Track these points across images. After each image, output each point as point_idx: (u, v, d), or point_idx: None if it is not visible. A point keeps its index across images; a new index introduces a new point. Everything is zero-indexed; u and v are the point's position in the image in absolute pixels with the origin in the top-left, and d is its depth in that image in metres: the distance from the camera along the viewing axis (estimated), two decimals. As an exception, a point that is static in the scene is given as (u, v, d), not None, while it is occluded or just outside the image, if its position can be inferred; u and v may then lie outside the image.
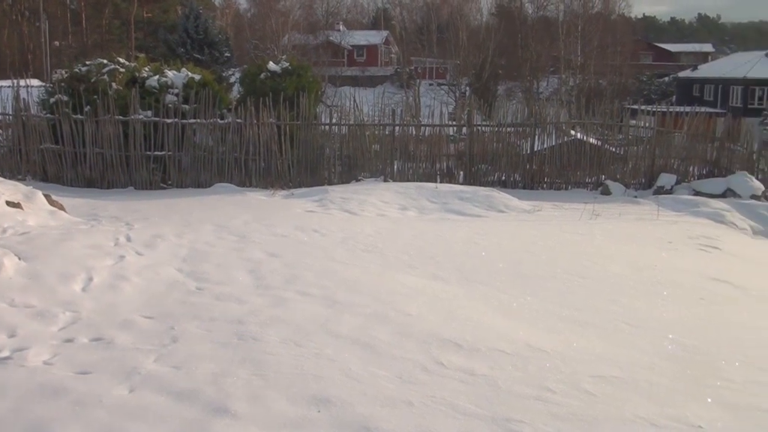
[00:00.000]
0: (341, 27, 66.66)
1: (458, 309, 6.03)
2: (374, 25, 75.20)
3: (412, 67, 55.03)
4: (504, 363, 4.82)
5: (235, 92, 22.69)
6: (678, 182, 15.25)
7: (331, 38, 60.26)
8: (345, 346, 5.04)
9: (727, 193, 14.59)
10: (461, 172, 15.70)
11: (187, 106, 14.34)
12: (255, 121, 14.40)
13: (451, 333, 5.35)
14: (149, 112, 14.20)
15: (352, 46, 65.30)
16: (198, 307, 5.87)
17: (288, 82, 15.23)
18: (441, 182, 14.62)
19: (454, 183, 14.89)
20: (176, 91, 14.46)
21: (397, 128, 15.68)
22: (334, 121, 15.49)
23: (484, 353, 4.99)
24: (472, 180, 15.28)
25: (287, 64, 15.84)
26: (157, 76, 14.64)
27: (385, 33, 69.75)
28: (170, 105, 14.21)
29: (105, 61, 15.04)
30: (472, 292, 6.65)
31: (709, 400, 4.49)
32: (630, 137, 16.21)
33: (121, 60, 15.46)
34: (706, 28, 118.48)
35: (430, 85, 53.11)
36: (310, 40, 55.85)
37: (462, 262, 7.82)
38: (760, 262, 10.09)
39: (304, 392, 4.24)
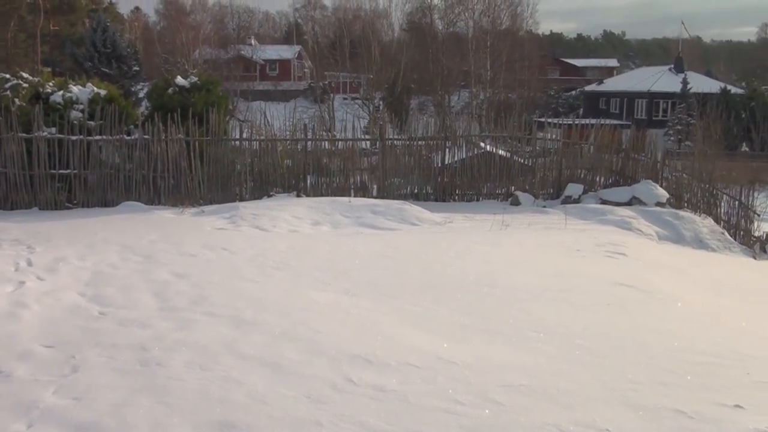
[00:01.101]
0: (253, 41, 66.28)
1: (370, 324, 6.00)
2: (287, 40, 75.09)
3: (326, 82, 55.06)
4: (414, 377, 4.80)
5: (144, 107, 22.18)
6: (585, 192, 15.68)
7: (242, 52, 59.80)
8: (252, 367, 4.93)
9: (632, 201, 15.09)
10: (375, 186, 15.74)
11: (93, 123, 13.87)
12: (163, 137, 14.07)
13: (361, 349, 5.31)
14: (53, 129, 13.66)
15: (264, 60, 64.92)
16: (100, 333, 5.65)
17: (197, 97, 14.94)
18: (355, 196, 14.62)
19: (368, 197, 14.91)
20: (82, 106, 13.99)
21: (310, 143, 15.60)
22: (245, 136, 15.29)
23: (394, 368, 4.96)
24: (385, 193, 15.34)
25: (196, 79, 15.56)
26: (61, 92, 14.12)
27: (297, 48, 69.71)
28: (75, 121, 13.74)
29: (7, 76, 14.44)
30: (384, 306, 6.63)
31: (617, 403, 4.59)
32: (538, 149, 16.61)
33: (25, 75, 14.88)
34: (611, 44, 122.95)
35: (344, 99, 53.21)
36: (222, 54, 55.25)
37: (374, 276, 7.80)
38: (665, 266, 10.46)
39: (208, 418, 4.11)
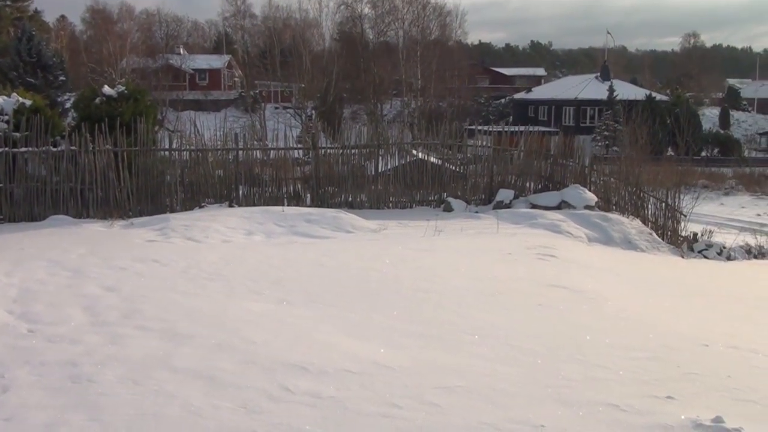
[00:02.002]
0: (182, 50, 65.29)
1: (305, 332, 5.96)
2: (216, 49, 74.18)
3: (257, 91, 54.70)
4: (351, 383, 4.80)
5: (70, 118, 21.63)
6: (516, 197, 15.96)
7: (171, 62, 58.85)
8: (186, 380, 4.83)
9: (562, 205, 15.42)
10: (308, 195, 15.69)
11: (18, 134, 13.48)
12: (91, 148, 13.73)
13: (297, 357, 5.27)
14: (-23, 142, 13.23)
15: (193, 69, 64.02)
16: (29, 351, 5.46)
17: (125, 107, 14.64)
18: (288, 205, 14.54)
19: (302, 206, 14.86)
20: (6, 117, 13.58)
21: (241, 152, 15.45)
22: (174, 146, 15.05)
23: (331, 375, 4.94)
24: (319, 202, 15.30)
25: (123, 89, 15.24)
26: (-15, 102, 13.69)
27: (227, 57, 68.96)
28: (0, 133, 13.32)
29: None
30: (320, 314, 6.61)
31: (551, 400, 4.68)
32: (469, 156, 16.84)
33: (-53, 85, 14.35)
34: (538, 53, 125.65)
35: (276, 108, 52.96)
36: (150, 63, 54.27)
37: (309, 285, 7.76)
38: (594, 267, 10.72)
39: (142, 433, 4.02)
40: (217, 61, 68.30)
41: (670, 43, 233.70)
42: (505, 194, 15.82)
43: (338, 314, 6.60)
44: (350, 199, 15.72)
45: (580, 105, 56.19)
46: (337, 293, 7.41)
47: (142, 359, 5.22)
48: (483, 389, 4.79)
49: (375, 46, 58.87)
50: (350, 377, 4.90)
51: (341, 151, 15.96)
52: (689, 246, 17.31)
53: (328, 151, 16.16)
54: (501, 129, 18.26)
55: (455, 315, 6.73)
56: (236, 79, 67.41)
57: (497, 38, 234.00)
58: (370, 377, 4.90)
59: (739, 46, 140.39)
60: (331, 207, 14.67)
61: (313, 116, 46.96)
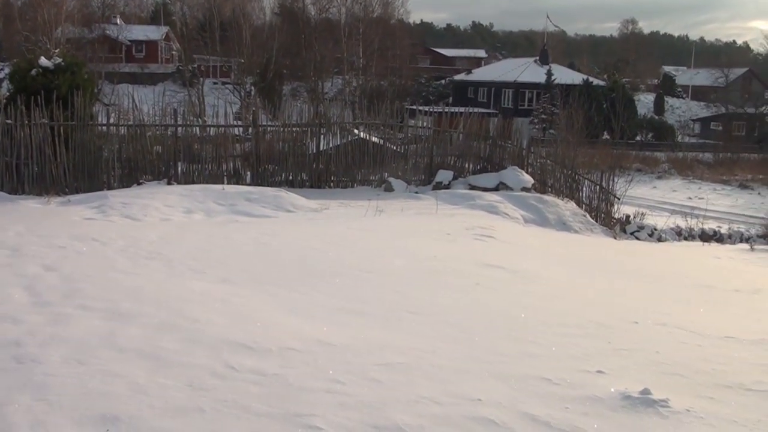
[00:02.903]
0: (119, 20, 63.44)
1: (248, 311, 6.02)
2: (154, 20, 72.28)
3: (195, 65, 53.66)
4: (295, 360, 4.89)
5: (5, 90, 20.93)
6: (455, 178, 16.20)
7: (108, 32, 57.14)
8: (131, 359, 4.85)
9: (500, 187, 15.74)
10: (248, 173, 15.61)
11: (-50, 107, 13.05)
12: (26, 122, 13.38)
13: (241, 336, 5.33)
14: None
15: (130, 41, 62.28)
16: (-32, 332, 5.38)
17: (61, 80, 14.26)
18: (228, 183, 14.44)
19: (242, 184, 14.77)
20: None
21: (180, 129, 15.26)
22: (112, 121, 14.77)
23: (274, 353, 5.02)
24: (259, 180, 15.24)
25: (60, 60, 14.84)
26: None
27: (165, 29, 67.28)
28: (-70, 106, 12.89)
29: None
30: (262, 293, 6.67)
31: (487, 375, 4.87)
32: (410, 136, 16.98)
33: None
34: (479, 35, 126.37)
35: (215, 84, 52.09)
36: (86, 33, 52.60)
37: (251, 264, 7.80)
38: (530, 247, 11.04)
39: (90, 412, 4.02)
40: (154, 33, 66.61)
41: (609, 28, 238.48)
42: (444, 175, 16.04)
43: (281, 293, 6.67)
44: (291, 177, 15.70)
45: (519, 88, 56.99)
46: (280, 272, 7.48)
47: (86, 339, 5.20)
48: (423, 365, 4.95)
49: (317, 22, 58.38)
50: (294, 355, 5.00)
51: (282, 129, 15.91)
52: (622, 228, 17.88)
53: (269, 128, 16.10)
54: (441, 110, 18.44)
55: (396, 294, 6.88)
56: (174, 52, 65.88)
57: (439, 18, 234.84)
58: (313, 355, 5.01)
59: (677, 34, 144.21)
60: (271, 186, 14.64)
61: (253, 92, 46.47)
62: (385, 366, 4.87)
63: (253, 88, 48.59)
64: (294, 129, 15.94)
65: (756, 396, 5.09)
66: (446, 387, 4.57)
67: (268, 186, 14.44)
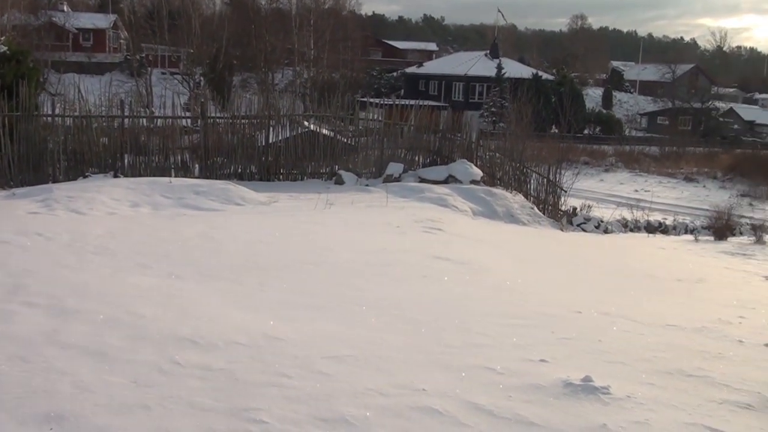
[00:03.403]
0: (66, 8, 61.87)
1: (195, 306, 5.99)
2: (101, 8, 70.61)
3: (143, 55, 52.67)
4: (241, 355, 4.89)
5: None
6: (405, 170, 16.27)
7: (54, 19, 55.63)
8: (76, 356, 4.79)
9: (449, 180, 15.86)
10: (197, 165, 15.45)
11: None
12: (-30, 113, 13.02)
13: (187, 331, 5.30)
14: None
15: (77, 29, 60.77)
16: None
17: (6, 69, 13.91)
18: (176, 176, 14.28)
19: (190, 177, 14.61)
20: None
21: (127, 120, 15.02)
22: (57, 112, 14.46)
23: (221, 348, 5.01)
24: (208, 173, 15.10)
25: (5, 49, 14.44)
26: None
27: (113, 17, 65.78)
28: None
29: None
30: (209, 287, 6.63)
31: (433, 365, 4.95)
32: (361, 129, 16.99)
33: None
34: (431, 28, 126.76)
35: (163, 74, 51.19)
36: (32, 20, 51.11)
37: (198, 258, 7.75)
38: (478, 239, 11.16)
39: (34, 411, 3.96)
40: (102, 21, 65.09)
41: (559, 23, 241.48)
42: (395, 168, 16.10)
43: (228, 287, 6.65)
44: (240, 170, 15.59)
45: (470, 81, 57.40)
46: (227, 266, 7.45)
47: (30, 336, 5.12)
48: (370, 357, 4.99)
49: (267, 12, 57.76)
50: (240, 349, 5.00)
51: (231, 120, 15.77)
52: (569, 220, 18.20)
53: (218, 120, 15.95)
54: (392, 102, 18.49)
55: (344, 287, 6.91)
56: (122, 41, 64.57)
57: (391, 10, 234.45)
58: (259, 349, 5.01)
59: (625, 30, 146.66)
60: (220, 178, 14.52)
61: (202, 83, 45.88)
62: (332, 359, 4.90)
63: (202, 78, 47.93)
64: (243, 121, 15.82)
65: (696, 381, 5.27)
66: (392, 378, 4.63)
67: (216, 179, 14.32)
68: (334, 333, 5.48)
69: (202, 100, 16.70)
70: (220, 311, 5.87)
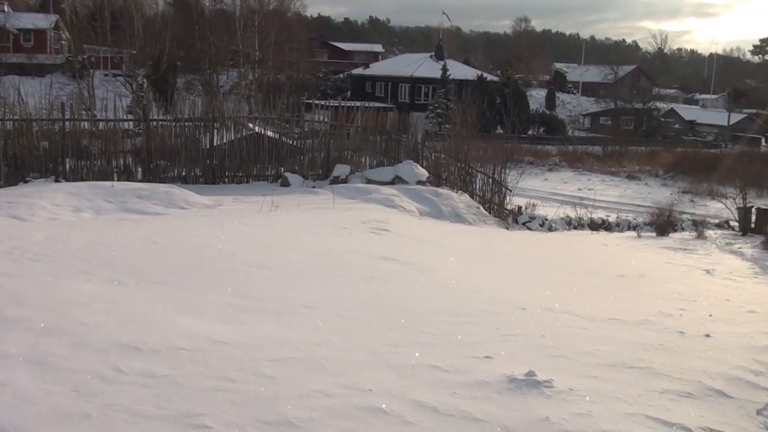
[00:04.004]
0: (6, 7, 60.24)
1: (137, 312, 5.90)
2: (42, 8, 68.87)
3: (85, 56, 51.56)
4: (185, 360, 4.84)
5: None
6: (352, 172, 16.31)
7: (-6, 19, 54.20)
8: (15, 366, 4.66)
9: (396, 180, 15.94)
10: (140, 169, 15.22)
11: None
12: None
13: (130, 338, 5.23)
14: None
15: (18, 29, 59.21)
16: None
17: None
18: (118, 180, 14.04)
19: (133, 180, 14.40)
20: None
21: (68, 123, 14.71)
22: (-4, 115, 14.09)
23: (164, 353, 4.95)
24: (151, 177, 14.89)
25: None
26: None
27: (54, 17, 64.17)
28: None
29: None
30: (153, 292, 6.54)
31: (379, 365, 4.98)
32: (307, 131, 16.96)
33: None
34: (377, 30, 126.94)
35: (105, 76, 50.22)
36: (-29, 20, 49.69)
37: (141, 263, 7.63)
38: (424, 240, 11.25)
39: (-28, 423, 3.88)
40: (43, 21, 63.47)
41: (504, 26, 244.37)
42: (341, 169, 16.12)
43: (172, 292, 6.57)
44: (184, 173, 15.41)
45: (416, 82, 57.76)
46: (171, 271, 7.36)
47: (-33, 345, 4.99)
48: (316, 359, 5.00)
49: (211, 13, 57.15)
50: (184, 354, 4.94)
51: (174, 123, 15.58)
52: (514, 218, 18.46)
53: (161, 123, 15.74)
54: (338, 104, 18.50)
55: (291, 289, 6.90)
56: (64, 42, 63.08)
57: (337, 12, 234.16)
58: (203, 354, 4.97)
59: (568, 33, 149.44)
60: (163, 182, 14.33)
61: (145, 85, 45.15)
62: (277, 361, 4.89)
63: (145, 80, 47.15)
64: (187, 123, 15.64)
65: (637, 373, 5.42)
66: (338, 379, 4.64)
67: (160, 182, 14.13)
68: (280, 336, 5.46)
69: (145, 102, 16.42)
70: (164, 317, 5.80)
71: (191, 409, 4.09)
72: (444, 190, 16.01)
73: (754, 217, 19.56)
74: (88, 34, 50.07)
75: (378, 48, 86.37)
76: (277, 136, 16.41)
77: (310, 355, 5.05)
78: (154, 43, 49.72)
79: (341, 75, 67.61)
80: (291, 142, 16.63)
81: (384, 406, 4.28)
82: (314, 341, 5.38)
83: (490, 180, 18.66)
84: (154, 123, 15.54)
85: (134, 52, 48.33)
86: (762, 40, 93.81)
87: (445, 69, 54.05)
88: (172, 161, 15.36)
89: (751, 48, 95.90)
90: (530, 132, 55.24)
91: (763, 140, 62.95)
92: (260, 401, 4.22)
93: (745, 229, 19.21)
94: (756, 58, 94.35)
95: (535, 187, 29.94)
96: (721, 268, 12.37)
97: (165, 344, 5.11)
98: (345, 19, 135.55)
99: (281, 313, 6.09)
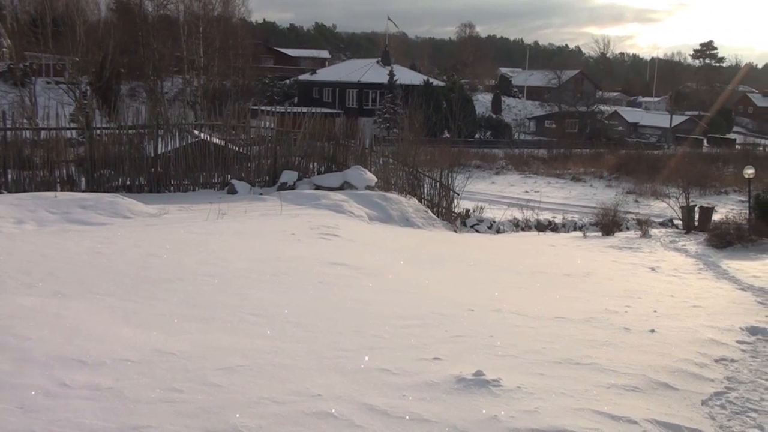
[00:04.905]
0: (-57, 14, 58.44)
1: (82, 324, 5.78)
2: (-18, 14, 67.06)
3: (27, 63, 50.34)
4: (131, 372, 4.77)
5: None
6: (300, 178, 16.26)
7: (-67, 26, 52.50)
8: (-43, 383, 4.55)
9: (344, 186, 15.96)
10: (83, 179, 14.92)
11: None
12: None
13: (74, 351, 5.12)
14: None
15: (-43, 37, 57.58)
16: None
17: None
18: (61, 190, 13.75)
19: (76, 190, 14.11)
20: None
21: (9, 132, 14.34)
22: (-68, 126, 13.69)
23: (109, 366, 4.87)
24: (95, 186, 14.62)
25: None
26: None
27: (-6, 23, 62.69)
28: None
29: None
30: (97, 304, 6.42)
31: (328, 370, 4.98)
32: (253, 137, 16.85)
33: None
34: (323, 36, 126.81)
35: (48, 83, 49.13)
36: None
37: (85, 275, 7.49)
38: (373, 244, 11.28)
39: None
40: (-17, 28, 61.85)
41: (450, 31, 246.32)
42: (289, 176, 16.06)
43: (117, 304, 6.45)
44: (128, 182, 15.17)
45: (363, 88, 57.90)
46: (116, 282, 7.23)
47: None
48: (265, 366, 4.97)
49: (154, 19, 56.29)
50: (129, 366, 4.87)
51: (118, 131, 15.33)
52: (462, 221, 18.66)
53: (104, 131, 15.47)
54: (285, 110, 18.42)
55: (238, 297, 6.85)
56: (5, 49, 61.42)
57: (282, 18, 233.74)
58: (150, 365, 4.90)
59: (512, 38, 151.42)
60: (107, 191, 14.08)
61: (89, 93, 44.33)
62: (225, 370, 4.85)
63: (88, 88, 46.27)
64: (131, 131, 15.39)
65: (583, 369, 5.53)
66: (287, 386, 4.63)
67: (104, 192, 13.87)
68: (228, 344, 5.42)
69: (88, 110, 16.12)
70: (109, 329, 5.69)
71: (137, 422, 4.03)
72: (393, 195, 16.07)
73: (697, 216, 20.08)
74: (29, 40, 48.90)
75: (325, 54, 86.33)
76: (223, 143, 16.26)
77: (258, 363, 5.02)
78: (97, 50, 48.80)
79: (288, 81, 67.38)
80: (237, 149, 16.49)
81: (333, 410, 4.28)
82: (262, 348, 5.35)
83: (438, 184, 18.81)
84: (98, 131, 15.26)
85: (77, 59, 47.36)
86: (702, 45, 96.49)
87: (392, 74, 54.29)
88: (116, 170, 15.09)
89: (692, 52, 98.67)
90: (477, 136, 55.82)
91: (704, 141, 64.78)
92: (207, 411, 4.19)
93: (688, 227, 19.73)
94: (696, 62, 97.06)
95: (482, 191, 30.25)
96: (666, 265, 12.68)
97: (110, 356, 5.02)
98: (291, 25, 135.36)
99: (229, 321, 6.04)
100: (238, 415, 4.13)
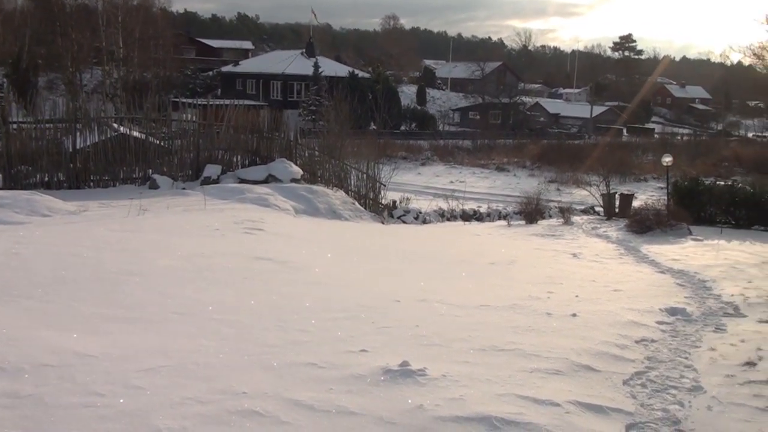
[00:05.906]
0: None
1: (-2, 328, 5.60)
2: None
3: (-60, 56, 48.09)
4: (50, 377, 4.63)
5: None
6: (224, 172, 16.03)
7: None
8: None
9: (269, 179, 15.81)
10: (0, 176, 14.37)
11: None
12: None
13: (-9, 357, 4.96)
14: None
15: None
16: None
17: None
18: (-25, 188, 13.21)
19: (-7, 188, 13.58)
20: None
21: None
22: None
23: (29, 371, 4.71)
24: (12, 183, 14.09)
25: None
26: None
27: None
28: None
29: None
30: (15, 308, 6.18)
31: (254, 367, 4.97)
32: (175, 131, 16.51)
33: None
34: (246, 26, 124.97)
35: (-38, 76, 47.10)
36: None
37: (2, 277, 7.19)
38: (300, 237, 11.24)
39: None
40: None
41: (374, 23, 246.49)
42: (212, 170, 15.81)
43: (36, 306, 6.25)
44: (47, 179, 14.68)
45: (287, 80, 57.42)
46: (33, 283, 6.99)
47: None
48: (188, 366, 4.92)
49: (72, 9, 54.40)
50: (49, 371, 4.73)
51: (35, 125, 14.82)
52: (389, 213, 18.76)
53: (21, 125, 14.94)
54: (207, 102, 18.12)
55: (161, 295, 6.73)
56: None
57: (204, 8, 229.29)
58: (70, 369, 4.77)
59: (436, 30, 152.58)
60: (25, 188, 13.58)
61: (4, 85, 42.69)
62: (147, 371, 4.77)
63: (5, 80, 44.56)
64: (49, 125, 14.91)
65: (507, 355, 5.67)
66: (211, 384, 4.59)
67: (21, 189, 13.37)
68: (151, 344, 5.33)
69: (4, 103, 15.52)
70: (27, 333, 5.51)
71: (57, 429, 3.94)
72: (319, 188, 16.03)
73: (617, 202, 20.69)
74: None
75: (248, 45, 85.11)
76: (144, 136, 15.88)
77: (182, 363, 4.97)
78: (13, 40, 47.02)
79: (210, 72, 66.28)
80: (159, 142, 16.13)
81: (259, 408, 4.28)
82: (186, 348, 5.28)
83: (365, 176, 18.85)
84: (14, 125, 14.71)
85: (-8, 49, 45.53)
86: (621, 38, 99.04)
87: (317, 66, 53.99)
88: (33, 166, 14.59)
89: (611, 45, 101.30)
90: (402, 127, 56.10)
91: (624, 131, 66.75)
92: (130, 414, 4.12)
93: (609, 214, 20.31)
94: (616, 54, 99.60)
95: (409, 182, 30.44)
96: (588, 251, 13.04)
97: (30, 361, 4.87)
98: (213, 15, 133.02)
99: (151, 321, 5.94)
100: (161, 417, 4.09)
